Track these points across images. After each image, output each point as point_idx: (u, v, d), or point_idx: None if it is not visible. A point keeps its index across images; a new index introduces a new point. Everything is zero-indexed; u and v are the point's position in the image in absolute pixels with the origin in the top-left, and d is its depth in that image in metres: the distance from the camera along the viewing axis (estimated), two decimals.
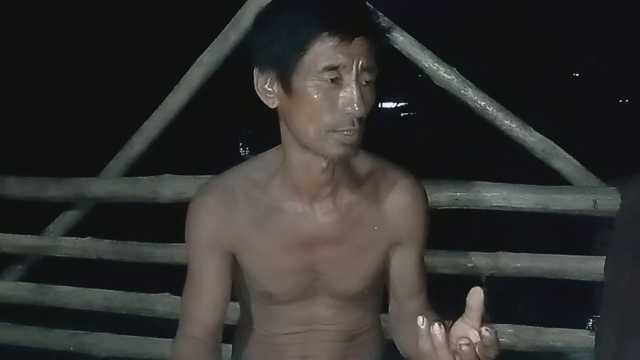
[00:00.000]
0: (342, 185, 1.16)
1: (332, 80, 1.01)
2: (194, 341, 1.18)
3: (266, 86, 1.07)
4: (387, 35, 1.10)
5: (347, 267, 1.19)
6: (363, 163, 1.20)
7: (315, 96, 1.02)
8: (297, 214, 1.16)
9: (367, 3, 1.11)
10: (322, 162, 1.10)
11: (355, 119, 1.02)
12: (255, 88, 1.09)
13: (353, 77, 1.01)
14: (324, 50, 1.00)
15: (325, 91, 1.02)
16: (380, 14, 1.15)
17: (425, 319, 0.82)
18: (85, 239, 2.32)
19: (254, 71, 1.08)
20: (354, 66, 1.01)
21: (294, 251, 1.17)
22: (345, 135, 1.04)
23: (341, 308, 1.23)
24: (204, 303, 1.19)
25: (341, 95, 1.02)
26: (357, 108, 1.01)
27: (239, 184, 1.18)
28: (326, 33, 1.00)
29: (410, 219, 1.22)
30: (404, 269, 1.26)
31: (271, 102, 1.08)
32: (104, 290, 2.34)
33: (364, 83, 1.03)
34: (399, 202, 1.21)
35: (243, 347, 1.32)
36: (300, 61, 1.02)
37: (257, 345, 1.30)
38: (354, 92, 1.01)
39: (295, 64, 1.02)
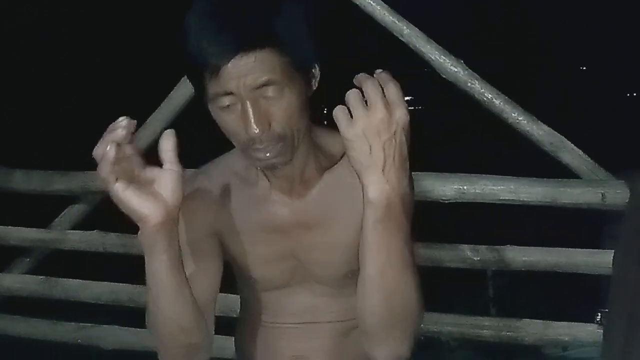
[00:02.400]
0: (312, 172, 1.15)
1: (230, 103, 1.00)
2: None
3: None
4: (279, 42, 0.99)
5: (323, 252, 1.17)
6: (338, 144, 1.14)
7: (220, 119, 1.03)
8: (272, 201, 1.17)
9: (250, 12, 0.99)
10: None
11: (261, 137, 1.00)
12: None
13: (243, 97, 0.99)
14: (209, 79, 0.99)
15: (228, 114, 1.02)
16: (275, 17, 1.00)
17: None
18: (91, 232, 2.33)
19: None
20: (242, 87, 0.98)
21: (271, 238, 1.18)
22: (258, 150, 1.03)
23: (331, 296, 1.22)
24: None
25: (239, 117, 1.01)
26: (253, 129, 0.99)
27: (219, 173, 1.21)
28: (201, 68, 0.99)
29: None
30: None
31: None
32: (111, 283, 2.35)
33: (263, 99, 1.00)
34: None
35: (243, 339, 1.33)
36: (201, 88, 1.02)
37: (256, 338, 1.30)
38: (246, 113, 0.99)
39: (198, 89, 1.04)
